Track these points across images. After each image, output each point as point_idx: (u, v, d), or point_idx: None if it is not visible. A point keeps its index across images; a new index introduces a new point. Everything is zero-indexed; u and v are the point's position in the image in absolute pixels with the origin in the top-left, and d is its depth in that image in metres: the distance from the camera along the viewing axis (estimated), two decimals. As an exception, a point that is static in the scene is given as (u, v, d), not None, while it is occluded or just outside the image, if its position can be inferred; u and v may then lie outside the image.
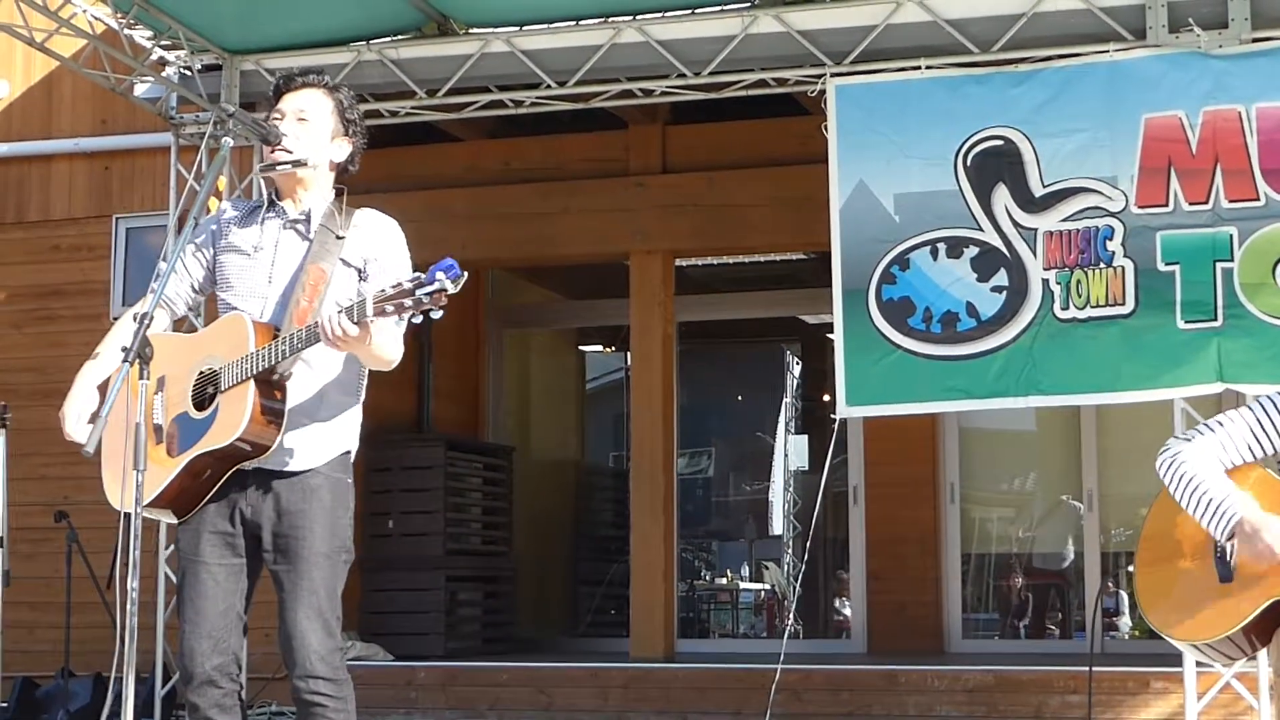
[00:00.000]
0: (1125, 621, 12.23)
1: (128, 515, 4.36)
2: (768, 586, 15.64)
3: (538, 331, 14.69)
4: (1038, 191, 8.32)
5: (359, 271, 4.77)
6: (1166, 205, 8.05)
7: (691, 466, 15.54)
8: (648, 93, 9.43)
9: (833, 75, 8.72)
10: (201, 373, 4.71)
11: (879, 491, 11.71)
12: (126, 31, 9.55)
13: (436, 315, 4.43)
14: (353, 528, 4.84)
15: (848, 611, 12.76)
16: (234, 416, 4.58)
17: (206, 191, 4.85)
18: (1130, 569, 11.14)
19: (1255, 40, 8.08)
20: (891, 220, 8.56)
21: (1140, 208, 8.11)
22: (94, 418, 4.61)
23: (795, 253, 13.16)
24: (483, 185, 11.57)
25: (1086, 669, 8.55)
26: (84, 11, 9.47)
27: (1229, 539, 4.42)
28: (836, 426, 8.69)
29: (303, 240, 4.83)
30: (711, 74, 9.06)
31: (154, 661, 9.56)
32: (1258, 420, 4.54)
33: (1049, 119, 8.34)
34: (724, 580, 15.73)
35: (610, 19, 9.19)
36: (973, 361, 8.35)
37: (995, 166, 8.40)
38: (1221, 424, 4.58)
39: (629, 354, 12.18)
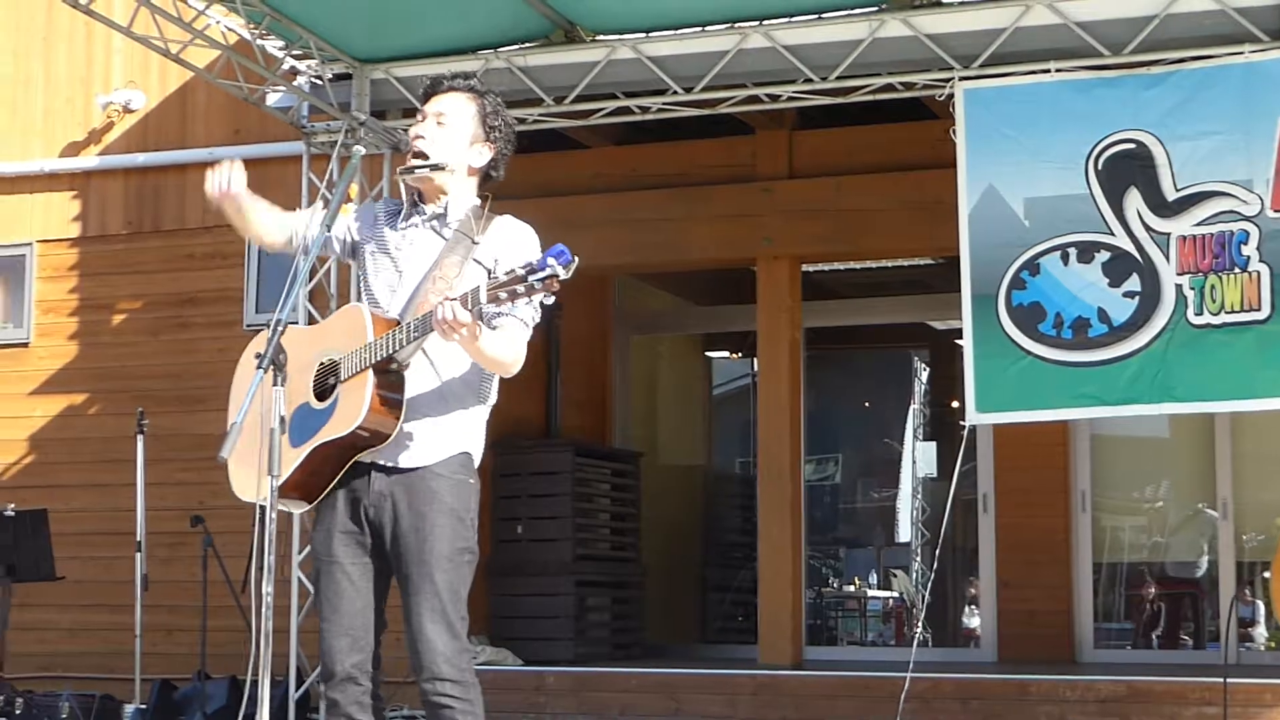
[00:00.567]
0: (1261, 631, 12.02)
1: (263, 521, 4.41)
2: (896, 594, 15.55)
3: (665, 337, 14.71)
4: (1170, 195, 8.22)
5: (489, 272, 4.73)
6: (1303, 209, 7.94)
7: (819, 473, 15.47)
8: (774, 98, 9.42)
9: (961, 79, 8.67)
10: (322, 364, 4.76)
11: (1009, 499, 11.59)
12: (259, 42, 9.69)
13: (548, 301, 4.44)
14: (477, 528, 4.84)
15: (977, 620, 12.66)
16: (353, 406, 4.63)
17: (338, 200, 4.89)
18: (1266, 575, 10.96)
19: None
20: (1021, 225, 8.49)
21: (1276, 211, 7.99)
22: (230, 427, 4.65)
23: (923, 258, 13.07)
24: (610, 192, 11.59)
25: (1221, 680, 8.43)
26: (217, 23, 9.62)
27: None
28: (966, 433, 8.63)
29: (438, 239, 4.86)
30: (838, 78, 9.03)
31: (288, 665, 9.67)
32: None
33: (1182, 122, 8.23)
34: (852, 587, 15.65)
35: (736, 24, 9.19)
36: (1105, 368, 8.26)
37: (1127, 170, 8.31)
38: None
39: (755, 360, 12.14)
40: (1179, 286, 8.16)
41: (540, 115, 9.66)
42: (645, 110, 9.65)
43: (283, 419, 4.59)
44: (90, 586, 11.18)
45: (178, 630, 10.63)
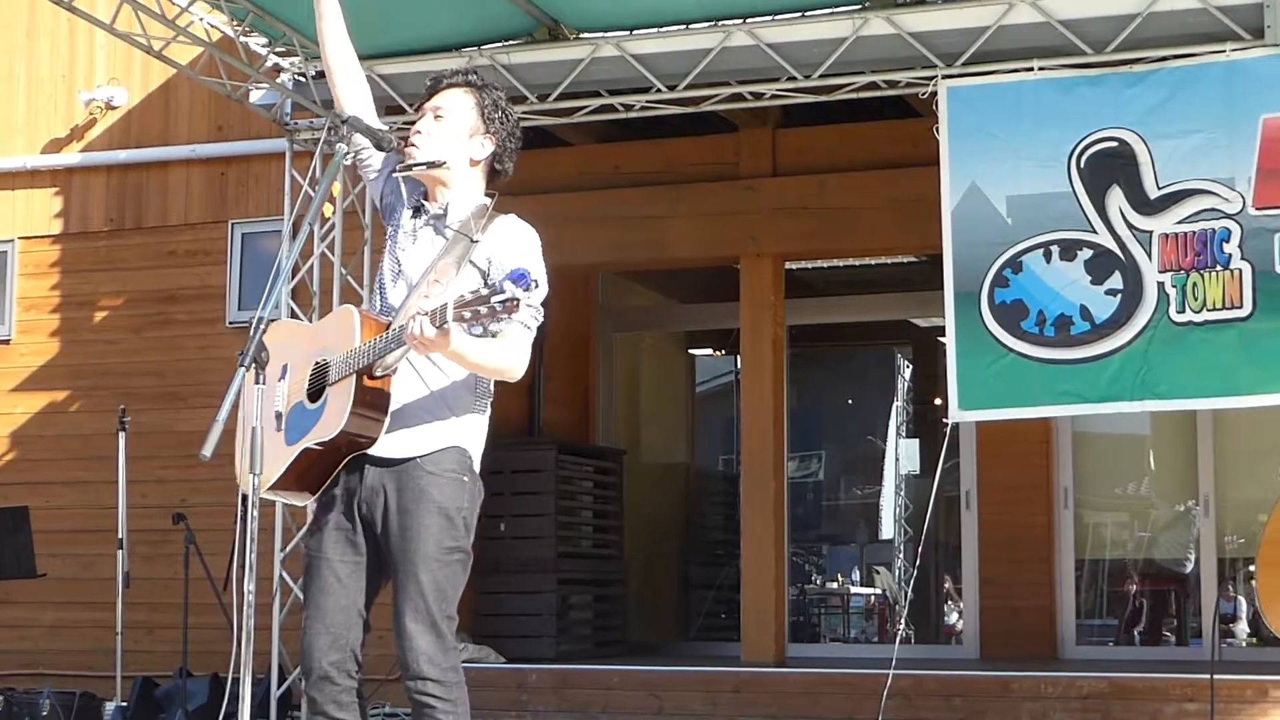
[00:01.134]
0: (1242, 628, 12.05)
1: (244, 519, 4.41)
2: (879, 591, 15.56)
3: (648, 335, 14.71)
4: (1153, 193, 8.24)
5: (484, 274, 4.75)
6: (1285, 207, 7.96)
7: (802, 470, 15.48)
8: (758, 96, 9.42)
9: (944, 77, 8.67)
10: (317, 363, 4.77)
11: (992, 496, 11.61)
12: (242, 39, 9.67)
13: (533, 325, 4.54)
14: (473, 528, 4.81)
15: (959, 617, 12.68)
16: (337, 411, 4.64)
17: (321, 197, 4.89)
18: (1251, 570, 10.98)
19: (1377, 38, 7.95)
20: (1004, 222, 8.50)
21: (1258, 209, 8.01)
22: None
23: (906, 255, 13.09)
24: (593, 189, 11.60)
25: (1202, 676, 8.44)
26: (200, 20, 9.60)
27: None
28: (948, 430, 8.63)
29: (438, 237, 4.86)
30: (822, 76, 9.03)
31: (269, 663, 9.67)
32: None
33: (1164, 120, 8.25)
34: (835, 585, 15.66)
35: (720, 22, 9.19)
36: (1087, 365, 8.28)
37: (1109, 168, 8.32)
38: None
39: (739, 357, 12.15)
40: (1161, 284, 8.18)
41: (524, 113, 9.63)
42: (629, 108, 9.65)
43: (279, 415, 4.60)
44: (72, 584, 11.17)
45: (159, 628, 10.62)
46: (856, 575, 15.95)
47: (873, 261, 13.71)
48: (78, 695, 10.10)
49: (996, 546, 11.53)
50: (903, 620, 12.36)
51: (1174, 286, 8.14)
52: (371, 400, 4.65)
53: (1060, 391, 8.36)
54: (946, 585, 13.80)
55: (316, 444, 4.67)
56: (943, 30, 8.76)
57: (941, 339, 8.85)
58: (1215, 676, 8.45)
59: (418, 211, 4.93)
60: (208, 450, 4.37)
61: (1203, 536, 11.59)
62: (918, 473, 15.11)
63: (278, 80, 10.06)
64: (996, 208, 8.52)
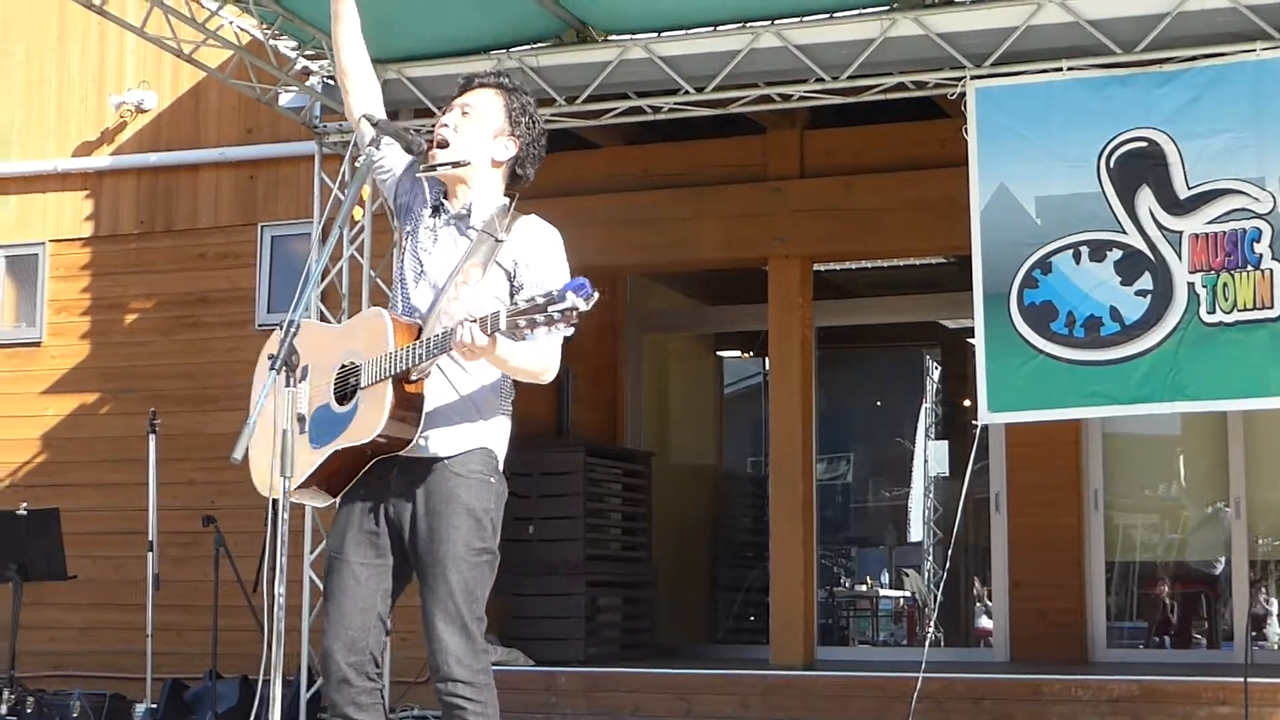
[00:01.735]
0: (1274, 630, 12.01)
1: (275, 521, 4.41)
2: (908, 594, 15.53)
3: (676, 337, 14.70)
4: (1182, 193, 8.22)
5: (509, 275, 4.75)
6: (1316, 206, 7.93)
7: (830, 472, 15.47)
8: (786, 97, 9.41)
9: (973, 77, 8.66)
10: (343, 366, 4.76)
11: (1021, 498, 11.57)
12: (271, 42, 9.70)
13: (568, 333, 4.45)
14: (499, 529, 4.81)
15: (989, 620, 12.64)
16: (373, 415, 4.62)
17: (351, 200, 4.88)
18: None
19: None
20: (1033, 223, 8.48)
21: (1289, 209, 7.98)
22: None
23: (935, 257, 13.06)
24: (621, 191, 11.59)
25: (1234, 679, 8.41)
26: (230, 23, 9.63)
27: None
28: (978, 432, 8.61)
29: (461, 237, 4.86)
30: (850, 78, 9.03)
31: (299, 665, 9.68)
32: None
33: (1194, 120, 8.22)
34: (863, 587, 15.64)
35: (748, 24, 9.19)
36: (1117, 367, 8.25)
37: (1139, 168, 8.30)
38: None
39: (767, 359, 12.14)
40: (1191, 285, 8.15)
41: (552, 115, 9.64)
42: (657, 110, 9.65)
43: (301, 418, 4.59)
44: (101, 586, 11.21)
45: (189, 630, 10.63)
46: (885, 578, 15.94)
47: (901, 263, 13.69)
48: (108, 697, 10.13)
49: (1026, 549, 11.49)
50: (932, 623, 12.33)
51: (1204, 287, 8.11)
52: (407, 405, 4.64)
53: (1090, 393, 8.34)
54: (976, 588, 13.78)
55: (348, 446, 4.67)
56: (971, 31, 8.74)
57: (970, 340, 8.83)
58: (1248, 680, 8.41)
59: (437, 210, 4.92)
60: (239, 453, 4.37)
61: (1234, 538, 11.53)
62: (947, 475, 15.08)
63: (307, 83, 10.09)
64: (1026, 208, 8.50)
